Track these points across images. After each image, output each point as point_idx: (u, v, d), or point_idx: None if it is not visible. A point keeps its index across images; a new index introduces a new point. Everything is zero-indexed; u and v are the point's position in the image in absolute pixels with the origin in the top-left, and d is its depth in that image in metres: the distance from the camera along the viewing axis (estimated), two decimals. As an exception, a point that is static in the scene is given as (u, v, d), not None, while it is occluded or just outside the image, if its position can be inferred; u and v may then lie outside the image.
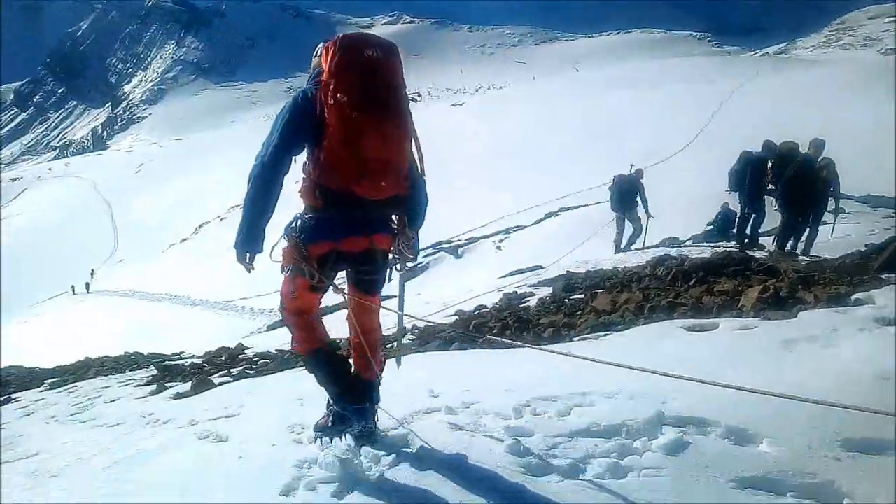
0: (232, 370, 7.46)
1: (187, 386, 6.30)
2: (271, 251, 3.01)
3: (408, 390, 3.89)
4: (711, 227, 15.51)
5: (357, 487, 2.78)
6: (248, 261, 2.99)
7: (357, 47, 2.84)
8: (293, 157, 2.95)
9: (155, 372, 7.99)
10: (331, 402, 3.23)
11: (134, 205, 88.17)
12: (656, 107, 59.62)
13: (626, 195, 13.90)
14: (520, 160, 49.23)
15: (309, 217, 2.96)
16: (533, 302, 8.59)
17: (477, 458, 2.90)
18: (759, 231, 11.83)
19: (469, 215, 31.79)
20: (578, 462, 2.78)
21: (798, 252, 10.57)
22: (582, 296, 7.82)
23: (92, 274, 53.81)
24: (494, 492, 2.61)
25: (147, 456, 3.74)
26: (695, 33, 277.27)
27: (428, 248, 25.33)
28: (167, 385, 6.66)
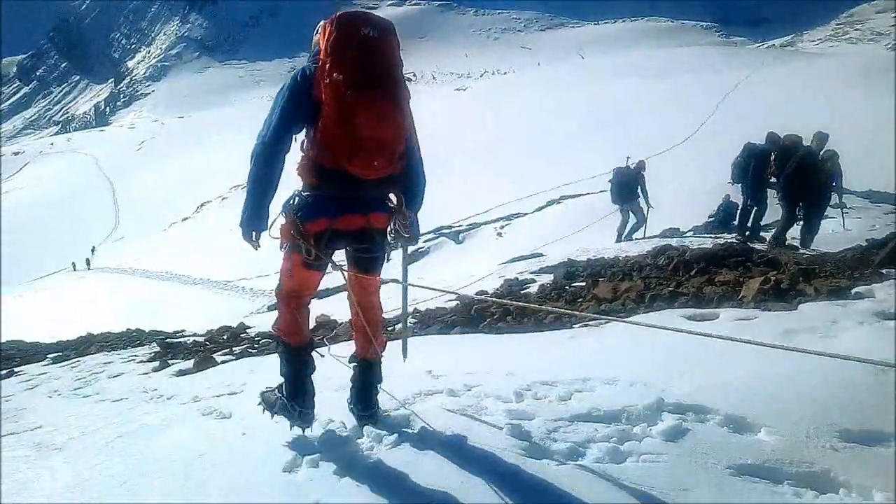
0: (234, 349, 7.50)
1: (190, 363, 6.34)
2: (269, 227, 3.02)
3: (409, 372, 3.92)
4: (713, 218, 15.52)
5: (358, 466, 2.82)
6: (254, 238, 3.02)
7: (354, 26, 2.82)
8: (294, 136, 2.96)
9: (157, 349, 8.04)
10: (282, 391, 3.23)
11: (135, 182, 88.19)
12: (661, 96, 59.44)
13: (625, 188, 13.91)
14: (523, 147, 49.16)
15: (307, 194, 2.98)
16: (534, 288, 8.61)
17: (477, 440, 2.93)
18: (761, 223, 11.83)
19: (470, 201, 31.82)
20: (578, 446, 2.81)
21: (798, 245, 10.58)
22: (583, 283, 7.84)
23: (93, 250, 53.90)
24: (494, 473, 2.64)
25: (151, 431, 3.78)
26: (701, 23, 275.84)
27: (429, 232, 25.36)
28: (170, 362, 6.71)
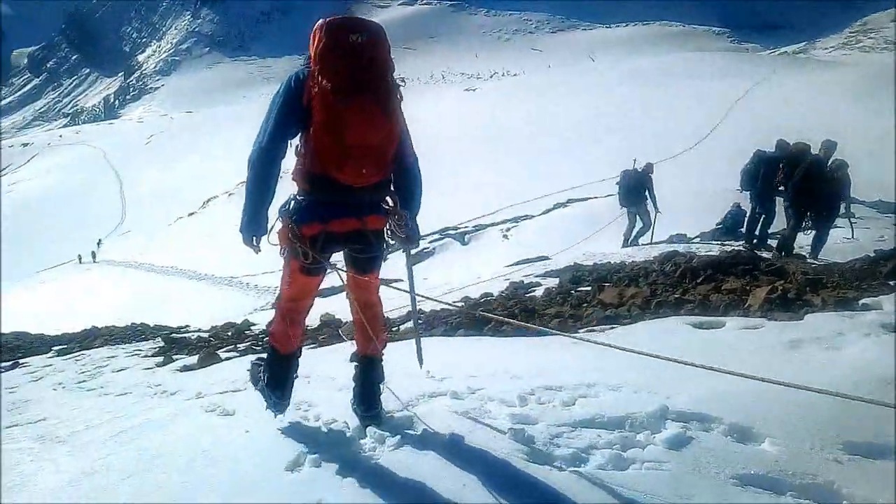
0: (238, 345, 7.52)
1: (194, 359, 6.36)
2: (268, 234, 3.06)
3: (413, 373, 3.92)
4: (721, 225, 15.47)
5: (360, 467, 2.82)
6: (254, 243, 3.06)
7: (342, 32, 2.81)
8: (289, 141, 2.98)
9: (162, 343, 8.07)
10: (265, 375, 3.36)
11: (143, 176, 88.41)
12: (671, 101, 59.32)
13: (633, 191, 13.88)
14: (531, 148, 49.11)
15: (301, 199, 3.00)
16: (539, 292, 8.61)
17: (480, 443, 2.93)
18: (769, 231, 11.79)
19: (477, 202, 31.78)
20: (581, 452, 2.81)
21: (806, 254, 10.53)
22: (588, 288, 7.83)
23: (99, 244, 54.05)
24: (496, 477, 2.64)
25: (154, 426, 3.80)
26: (713, 28, 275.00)
27: (434, 233, 25.36)
28: (174, 357, 6.73)
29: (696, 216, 17.45)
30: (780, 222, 11.77)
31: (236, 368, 5.43)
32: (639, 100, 62.31)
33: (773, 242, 11.52)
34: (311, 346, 6.43)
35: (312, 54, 2.86)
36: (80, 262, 46.67)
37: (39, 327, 13.50)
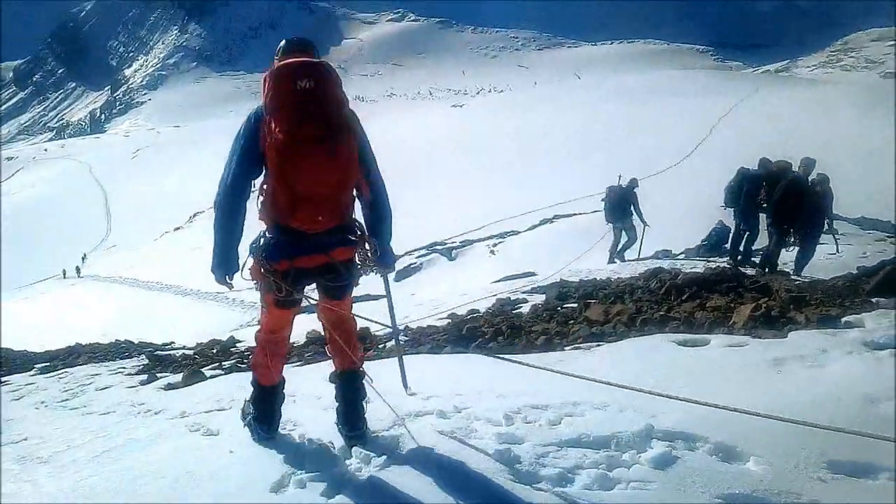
0: (223, 363, 7.45)
1: (178, 377, 6.29)
2: (241, 270, 3.12)
3: (399, 392, 3.91)
4: (706, 242, 15.57)
5: (346, 487, 2.81)
6: (227, 280, 3.12)
7: (288, 79, 2.79)
8: (252, 181, 3.01)
9: (146, 361, 7.98)
10: (252, 419, 3.43)
11: (128, 190, 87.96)
12: (656, 118, 59.74)
13: (618, 206, 13.95)
14: (517, 164, 49.31)
15: (270, 237, 3.04)
16: (526, 309, 8.61)
17: (466, 462, 2.93)
18: (753, 248, 11.88)
19: (464, 217, 31.80)
20: (567, 472, 2.81)
21: (791, 271, 10.61)
22: (575, 305, 7.84)
23: (83, 258, 53.60)
24: (483, 498, 2.64)
25: (138, 445, 3.76)
26: (698, 46, 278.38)
27: (422, 248, 25.36)
28: (158, 375, 6.66)
29: (682, 232, 17.55)
30: (763, 239, 11.87)
31: (221, 387, 5.38)
32: (624, 117, 62.74)
33: (756, 259, 11.60)
34: (297, 363, 6.39)
35: (264, 103, 2.87)
36: (65, 277, 46.25)
37: (22, 344, 13.31)
